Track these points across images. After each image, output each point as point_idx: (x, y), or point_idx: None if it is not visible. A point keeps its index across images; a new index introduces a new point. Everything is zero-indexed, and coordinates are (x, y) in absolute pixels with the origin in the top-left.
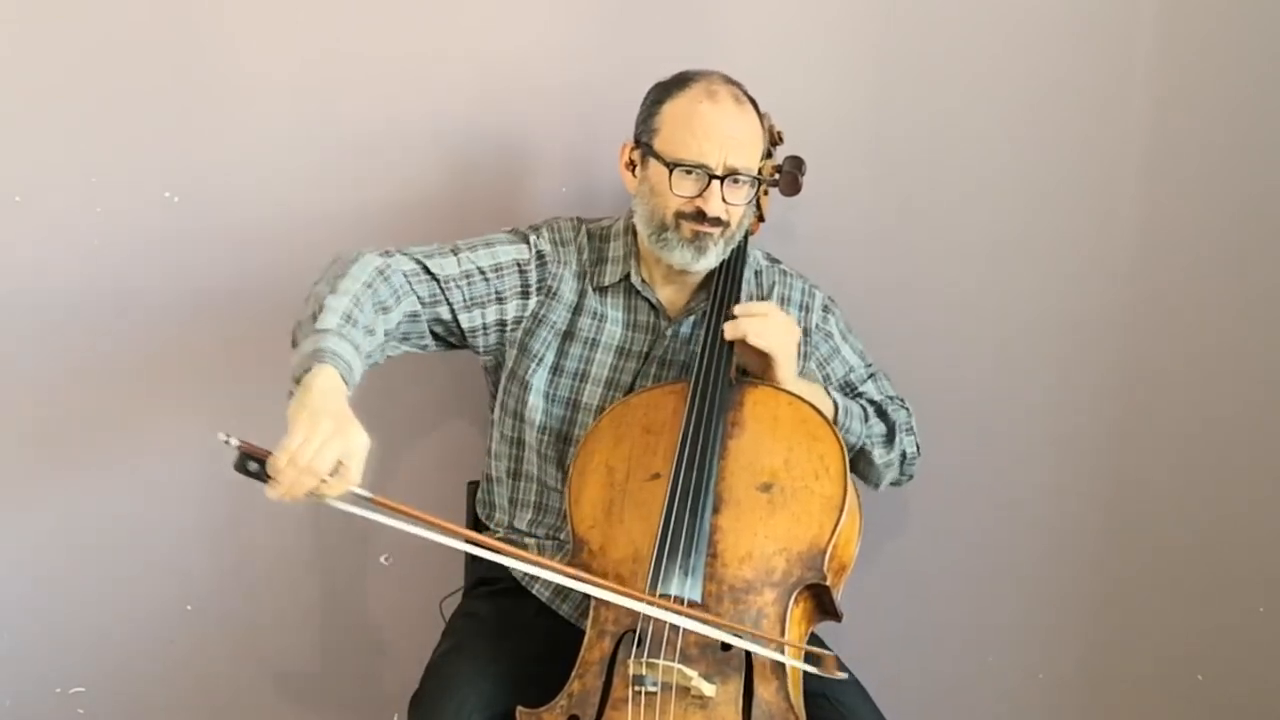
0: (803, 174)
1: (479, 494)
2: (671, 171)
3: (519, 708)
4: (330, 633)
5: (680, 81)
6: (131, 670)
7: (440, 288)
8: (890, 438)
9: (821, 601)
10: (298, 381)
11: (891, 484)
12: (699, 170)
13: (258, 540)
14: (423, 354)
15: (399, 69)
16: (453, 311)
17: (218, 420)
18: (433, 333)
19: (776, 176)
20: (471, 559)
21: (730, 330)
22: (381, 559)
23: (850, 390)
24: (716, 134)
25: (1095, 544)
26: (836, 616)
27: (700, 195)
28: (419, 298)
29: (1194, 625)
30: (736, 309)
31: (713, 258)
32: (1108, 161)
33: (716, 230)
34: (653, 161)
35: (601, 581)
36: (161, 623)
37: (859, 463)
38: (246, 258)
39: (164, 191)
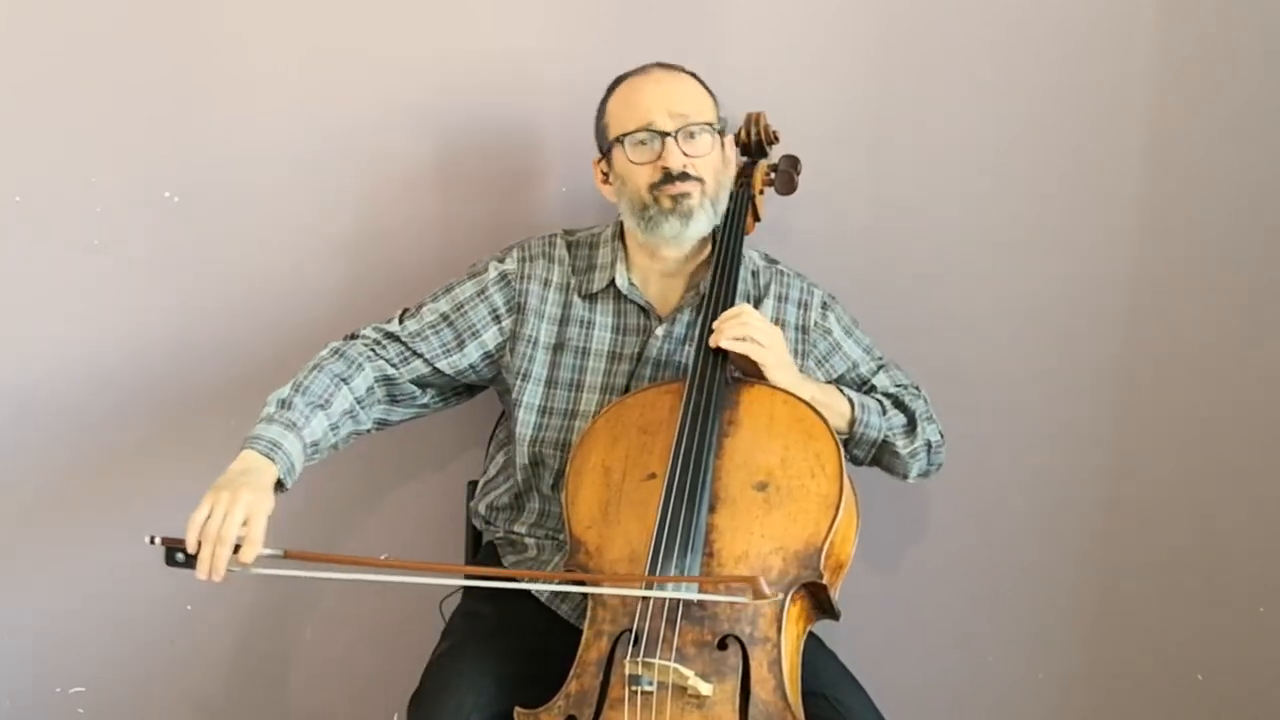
0: (798, 173)
1: (479, 494)
2: (626, 146)
3: (516, 708)
4: (330, 633)
5: (617, 80)
6: (131, 670)
7: (406, 346)
8: (912, 427)
9: (819, 600)
10: None
11: (920, 475)
12: (648, 133)
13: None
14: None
15: (400, 69)
16: (429, 363)
17: (222, 413)
18: (423, 387)
19: (772, 176)
20: (474, 559)
21: (714, 339)
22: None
23: (861, 384)
24: (652, 96)
25: (1095, 544)
26: (834, 615)
27: (659, 157)
28: (387, 361)
29: (1194, 625)
30: (715, 323)
31: (702, 221)
32: (1108, 160)
33: (694, 189)
34: (614, 153)
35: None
36: (161, 623)
37: (884, 456)
38: (247, 258)
39: (164, 191)
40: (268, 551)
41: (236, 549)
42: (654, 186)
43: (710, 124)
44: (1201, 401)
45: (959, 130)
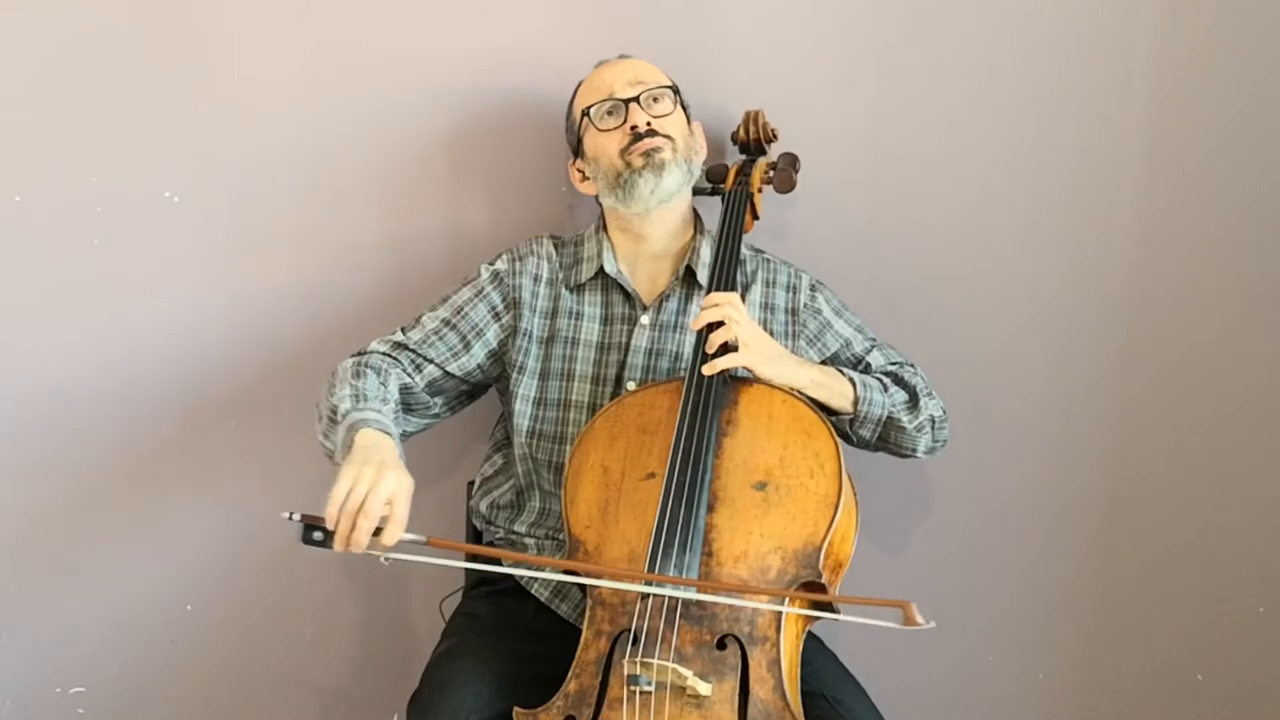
0: (797, 171)
1: (478, 493)
2: (593, 118)
3: (515, 708)
4: (330, 633)
5: (579, 84)
6: (131, 670)
7: (416, 353)
8: (914, 402)
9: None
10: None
11: (927, 452)
12: (612, 101)
13: (257, 540)
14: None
15: (399, 68)
16: (439, 367)
17: (223, 415)
18: (435, 395)
19: (770, 174)
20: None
21: (707, 370)
22: (381, 559)
23: (856, 363)
24: (611, 74)
25: (1095, 544)
26: (834, 614)
27: (626, 122)
28: (403, 369)
29: (1194, 625)
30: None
31: (676, 175)
32: (1108, 160)
33: (663, 144)
34: (585, 137)
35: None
36: (161, 623)
37: (890, 434)
38: (247, 258)
39: (164, 191)
40: (410, 536)
41: (378, 531)
42: (625, 151)
43: (669, 87)
44: (1201, 402)
45: (959, 130)
